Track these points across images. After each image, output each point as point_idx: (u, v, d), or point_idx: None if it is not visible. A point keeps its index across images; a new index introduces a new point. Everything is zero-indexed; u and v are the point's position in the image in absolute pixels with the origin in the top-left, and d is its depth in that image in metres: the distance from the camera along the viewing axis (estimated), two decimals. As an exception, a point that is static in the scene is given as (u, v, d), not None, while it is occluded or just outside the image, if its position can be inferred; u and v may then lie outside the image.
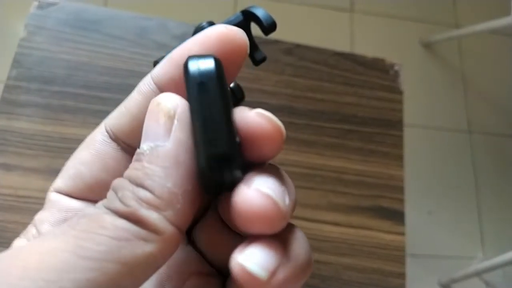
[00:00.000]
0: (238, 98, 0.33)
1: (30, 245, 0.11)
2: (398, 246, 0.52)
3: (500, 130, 1.26)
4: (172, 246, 0.12)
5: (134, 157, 0.12)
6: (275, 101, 0.55)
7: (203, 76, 0.12)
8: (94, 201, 0.14)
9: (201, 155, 0.12)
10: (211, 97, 0.12)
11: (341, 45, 1.24)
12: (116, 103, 0.52)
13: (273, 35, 0.60)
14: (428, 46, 1.30)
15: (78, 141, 0.50)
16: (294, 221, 0.14)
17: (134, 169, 0.12)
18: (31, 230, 0.15)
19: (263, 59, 0.31)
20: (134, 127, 0.14)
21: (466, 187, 1.19)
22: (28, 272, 0.10)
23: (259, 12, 0.27)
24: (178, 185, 0.12)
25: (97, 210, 0.12)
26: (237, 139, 0.12)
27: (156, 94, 0.13)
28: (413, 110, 1.22)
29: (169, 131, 0.12)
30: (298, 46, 0.58)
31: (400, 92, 0.58)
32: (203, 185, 0.12)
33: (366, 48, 1.24)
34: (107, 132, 0.15)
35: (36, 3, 0.54)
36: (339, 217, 0.52)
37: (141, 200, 0.11)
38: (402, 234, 0.53)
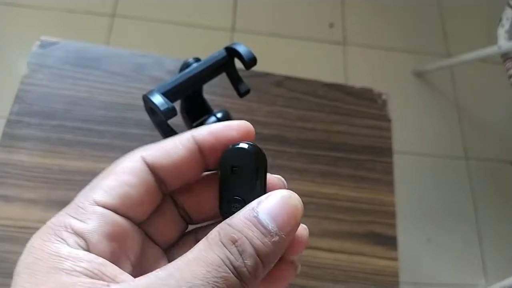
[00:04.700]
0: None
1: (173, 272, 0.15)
2: (391, 272, 0.53)
3: (497, 156, 1.27)
4: None
5: (254, 220, 0.16)
6: (267, 131, 0.57)
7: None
8: (131, 218, 0.17)
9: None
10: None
11: (335, 78, 1.27)
12: (113, 135, 0.54)
13: (264, 68, 0.63)
14: (420, 76, 1.33)
15: (76, 172, 0.52)
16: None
17: (263, 245, 0.16)
18: (68, 236, 0.16)
19: (247, 91, 0.33)
20: (173, 170, 0.18)
21: (465, 214, 1.19)
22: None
23: (241, 49, 0.29)
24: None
25: (216, 257, 0.15)
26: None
27: (196, 151, 0.18)
28: (408, 138, 1.24)
29: (294, 232, 0.17)
30: (288, 78, 0.61)
31: (388, 120, 0.60)
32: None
33: (359, 80, 1.27)
34: (146, 164, 0.18)
35: (38, 42, 0.57)
36: (332, 244, 0.53)
37: (258, 272, 0.16)
38: (395, 259, 0.53)
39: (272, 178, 0.19)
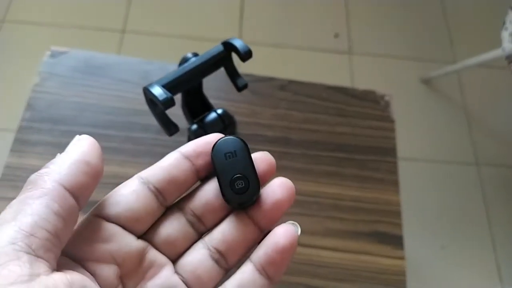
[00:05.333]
0: (225, 124, 0.36)
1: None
2: (398, 270, 0.52)
3: (508, 161, 1.26)
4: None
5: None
6: (271, 133, 0.58)
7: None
8: (128, 228, 0.19)
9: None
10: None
11: (342, 85, 1.28)
12: (120, 139, 0.56)
13: (268, 73, 0.64)
14: (427, 82, 1.33)
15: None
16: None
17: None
18: None
19: (245, 86, 0.34)
20: (166, 179, 0.20)
21: (478, 220, 1.18)
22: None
23: (237, 43, 0.30)
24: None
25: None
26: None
27: (183, 159, 0.20)
28: (418, 145, 1.23)
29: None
30: (292, 82, 0.62)
31: (391, 121, 0.61)
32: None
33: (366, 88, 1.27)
34: (143, 180, 0.20)
35: (48, 52, 0.59)
36: (336, 243, 0.53)
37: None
38: (402, 258, 0.53)
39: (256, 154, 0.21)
